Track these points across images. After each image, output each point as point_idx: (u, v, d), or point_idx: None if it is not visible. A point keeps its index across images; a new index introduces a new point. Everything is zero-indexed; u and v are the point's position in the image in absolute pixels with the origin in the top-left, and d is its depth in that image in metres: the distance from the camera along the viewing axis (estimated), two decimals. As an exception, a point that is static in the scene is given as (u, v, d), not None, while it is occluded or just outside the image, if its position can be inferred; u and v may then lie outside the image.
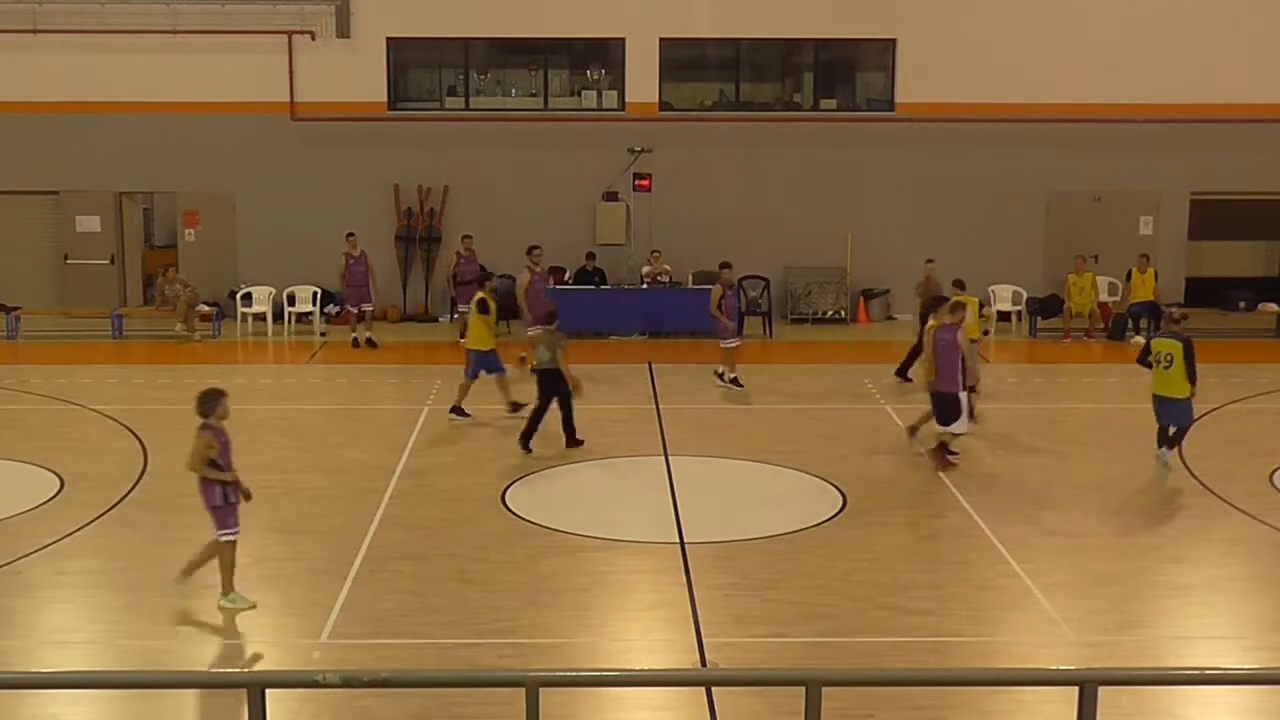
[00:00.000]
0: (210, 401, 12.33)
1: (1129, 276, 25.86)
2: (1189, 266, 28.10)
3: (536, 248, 23.11)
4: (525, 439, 17.50)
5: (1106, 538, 14.47)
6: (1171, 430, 16.49)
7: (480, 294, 19.27)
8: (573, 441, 17.66)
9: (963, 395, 16.63)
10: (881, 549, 14.00)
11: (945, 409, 16.69)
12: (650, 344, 25.36)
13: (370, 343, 24.63)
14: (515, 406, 18.87)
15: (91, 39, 26.64)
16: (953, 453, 16.84)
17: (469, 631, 11.97)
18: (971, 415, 16.92)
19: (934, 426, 17.05)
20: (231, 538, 12.42)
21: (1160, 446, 16.54)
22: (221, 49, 26.82)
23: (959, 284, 20.33)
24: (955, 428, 16.69)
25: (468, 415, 19.05)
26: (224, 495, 12.37)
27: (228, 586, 12.48)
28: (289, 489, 16.04)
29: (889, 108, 27.62)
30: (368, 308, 24.98)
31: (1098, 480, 16.47)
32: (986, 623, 12.41)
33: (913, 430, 17.79)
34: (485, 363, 19.01)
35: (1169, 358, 16.21)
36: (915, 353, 20.60)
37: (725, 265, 21.71)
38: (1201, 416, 18.68)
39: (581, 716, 10.42)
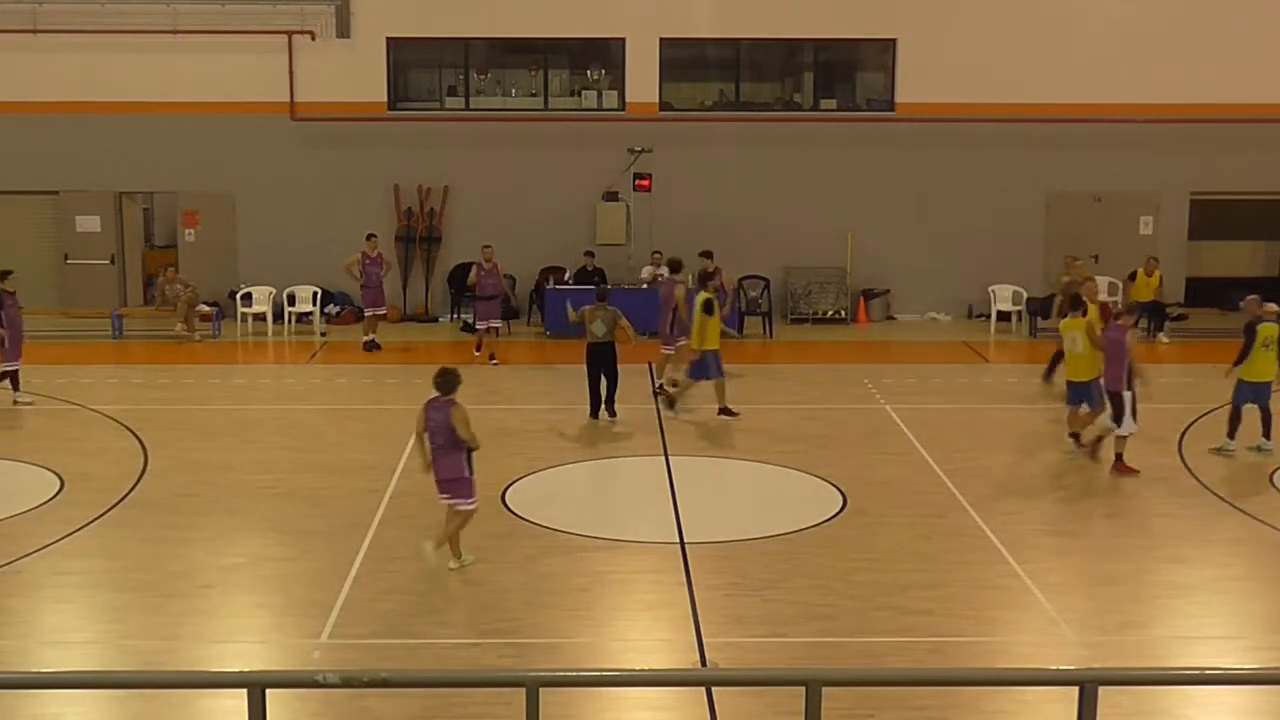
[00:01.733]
0: (454, 379, 13.31)
1: (1133, 276, 25.76)
2: (1189, 266, 28.10)
3: (678, 263, 21.91)
4: (605, 408, 19.09)
5: (1106, 538, 14.48)
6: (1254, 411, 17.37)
7: (705, 294, 19.60)
8: (612, 412, 19.08)
9: (1126, 395, 16.61)
10: (881, 549, 14.01)
11: (1113, 408, 16.75)
12: (650, 344, 25.31)
13: (373, 345, 24.53)
14: (726, 411, 19.30)
15: (91, 39, 26.63)
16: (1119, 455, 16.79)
17: (469, 631, 11.98)
18: (1135, 415, 16.84)
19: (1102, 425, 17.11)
20: (474, 507, 13.45)
21: (1231, 436, 17.39)
22: (221, 49, 26.82)
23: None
24: (1122, 429, 16.64)
25: (736, 414, 19.16)
26: (470, 465, 13.30)
27: (457, 551, 13.44)
28: (289, 489, 16.06)
29: (889, 108, 27.62)
30: (381, 311, 24.90)
31: (1098, 480, 16.47)
32: (986, 623, 12.42)
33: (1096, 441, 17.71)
34: (711, 361, 19.21)
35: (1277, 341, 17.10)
36: (1058, 356, 20.28)
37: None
38: (1203, 416, 18.74)
39: (582, 716, 10.42)
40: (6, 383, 20.06)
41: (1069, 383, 17.71)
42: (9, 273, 20.60)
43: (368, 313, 24.74)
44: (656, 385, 20.83)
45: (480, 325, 23.49)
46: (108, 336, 25.77)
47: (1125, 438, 16.60)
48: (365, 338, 24.58)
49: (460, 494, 13.31)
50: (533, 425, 18.98)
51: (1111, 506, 15.51)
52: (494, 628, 12.04)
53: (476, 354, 23.34)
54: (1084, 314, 17.56)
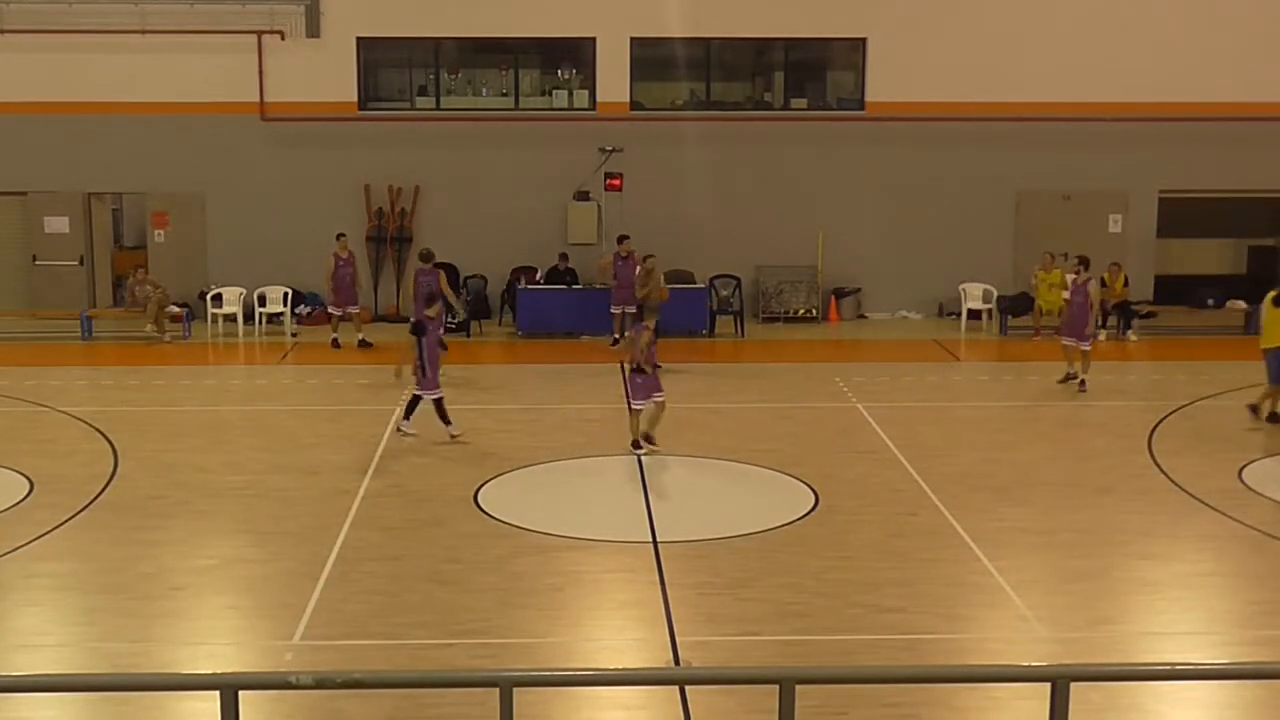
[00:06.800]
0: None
1: (1103, 283, 25.80)
2: (1158, 264, 28.25)
3: (1087, 260, 21.64)
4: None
5: (1077, 534, 14.53)
6: None
7: (1275, 291, 18.76)
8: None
9: None
10: (853, 547, 14.03)
11: None
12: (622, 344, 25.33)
13: (364, 343, 24.58)
14: (1254, 409, 18.69)
15: (59, 39, 26.47)
16: None
17: (442, 632, 11.95)
18: None
19: None
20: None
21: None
22: (190, 49, 26.70)
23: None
24: None
25: None
26: None
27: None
28: (261, 490, 16.00)
29: (859, 107, 27.68)
30: (354, 309, 25.00)
31: (1069, 477, 16.54)
32: (958, 620, 12.45)
33: None
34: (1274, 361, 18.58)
35: None
36: None
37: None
38: (1171, 413, 18.83)
39: (555, 716, 10.41)
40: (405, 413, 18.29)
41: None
42: (434, 299, 19.36)
43: (337, 313, 24.95)
44: (1071, 376, 20.88)
45: (638, 405, 17.43)
46: (77, 338, 25.63)
47: None
48: (359, 336, 24.75)
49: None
50: (505, 425, 18.96)
51: (1082, 503, 15.57)
52: (467, 628, 12.02)
53: (638, 451, 17.35)
54: None
